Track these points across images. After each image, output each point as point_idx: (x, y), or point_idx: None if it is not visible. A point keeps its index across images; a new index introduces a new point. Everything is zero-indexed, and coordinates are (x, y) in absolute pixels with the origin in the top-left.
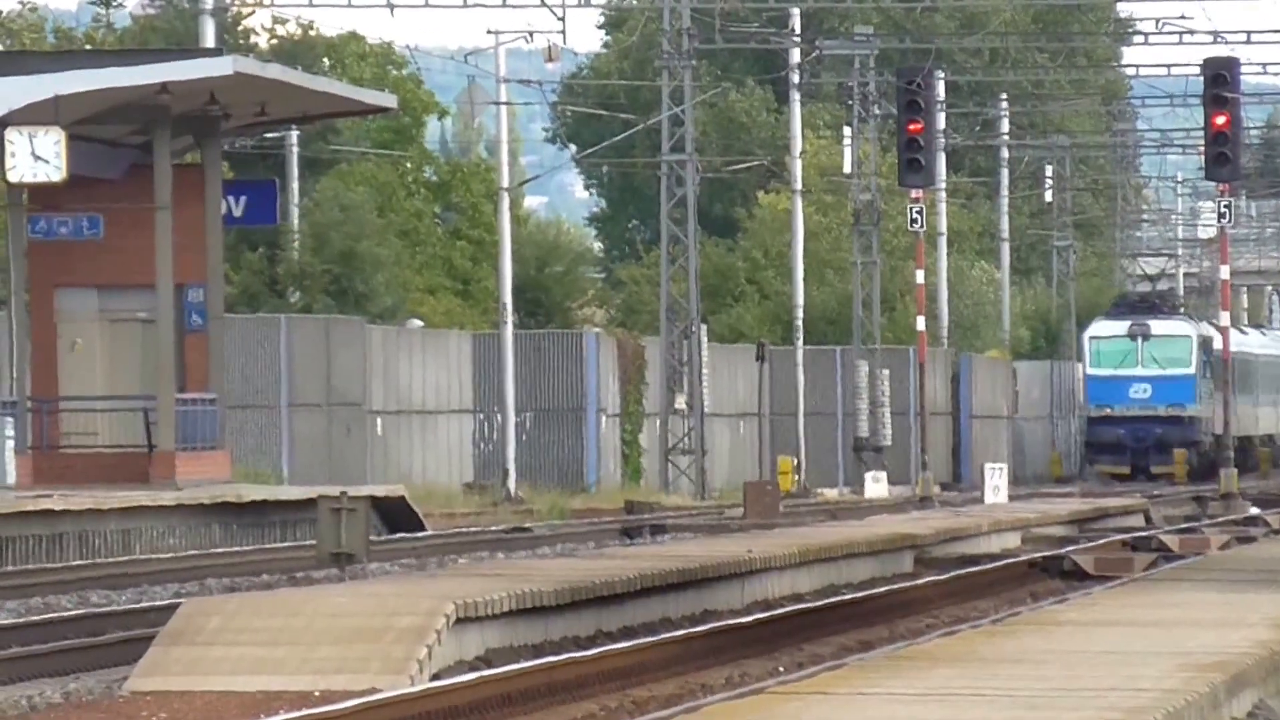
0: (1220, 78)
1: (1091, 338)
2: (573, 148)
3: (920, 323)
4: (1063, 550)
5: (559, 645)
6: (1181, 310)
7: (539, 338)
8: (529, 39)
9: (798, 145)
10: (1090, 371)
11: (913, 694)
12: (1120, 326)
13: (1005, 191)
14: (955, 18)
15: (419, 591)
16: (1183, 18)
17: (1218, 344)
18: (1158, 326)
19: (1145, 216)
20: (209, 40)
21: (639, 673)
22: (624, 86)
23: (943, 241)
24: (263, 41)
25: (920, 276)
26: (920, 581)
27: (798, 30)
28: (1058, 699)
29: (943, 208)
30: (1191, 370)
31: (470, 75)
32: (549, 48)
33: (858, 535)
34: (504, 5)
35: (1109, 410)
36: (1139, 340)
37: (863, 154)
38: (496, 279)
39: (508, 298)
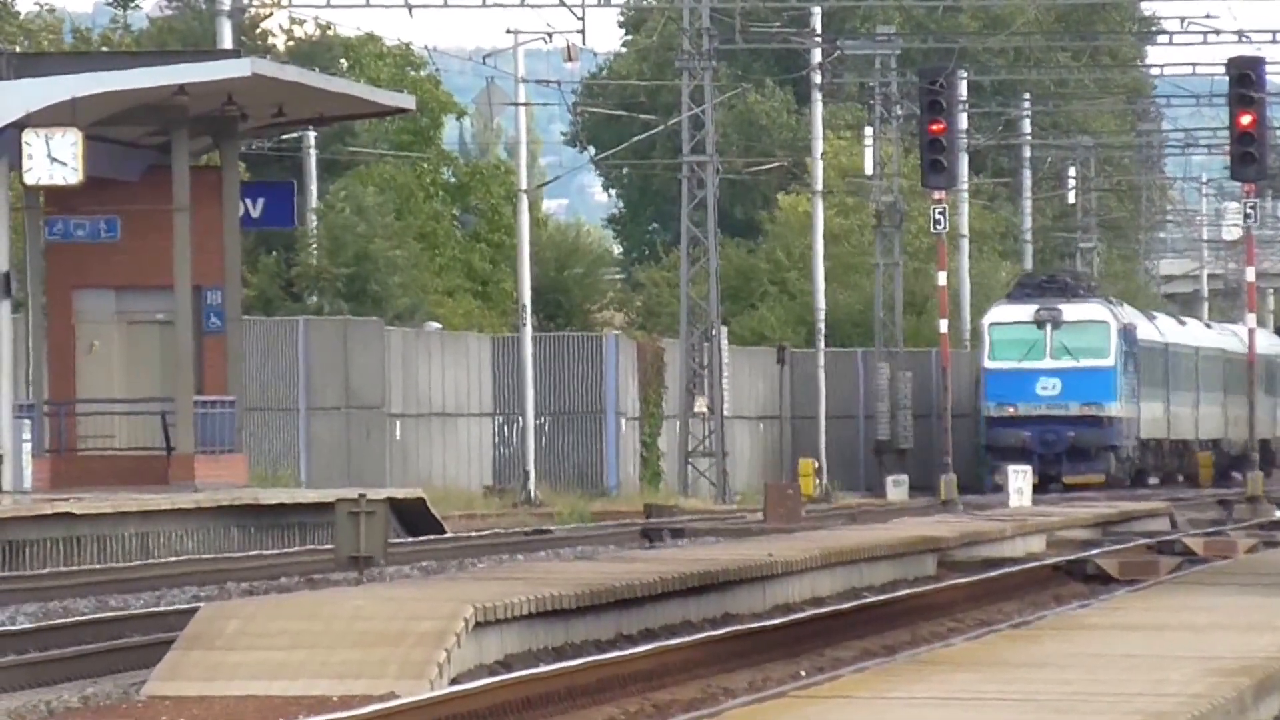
0: (1246, 77)
1: (992, 325)
2: (592, 149)
3: (943, 325)
4: (1087, 554)
5: (579, 648)
6: (1097, 292)
7: (558, 340)
8: (548, 39)
9: (819, 146)
10: (989, 364)
11: (936, 698)
12: (1024, 311)
13: (1028, 192)
14: (978, 17)
15: (438, 595)
16: (1208, 16)
17: (1144, 331)
18: (1069, 311)
19: (1170, 217)
20: (226, 42)
21: (660, 676)
22: (644, 87)
23: (965, 243)
24: (280, 43)
25: (943, 278)
26: (943, 585)
27: (819, 30)
28: (1082, 703)
29: (965, 209)
30: (1110, 362)
31: (489, 76)
32: (568, 48)
33: (880, 538)
34: (523, 5)
35: (1012, 409)
36: (1047, 327)
37: (884, 155)
38: (515, 281)
39: (527, 300)
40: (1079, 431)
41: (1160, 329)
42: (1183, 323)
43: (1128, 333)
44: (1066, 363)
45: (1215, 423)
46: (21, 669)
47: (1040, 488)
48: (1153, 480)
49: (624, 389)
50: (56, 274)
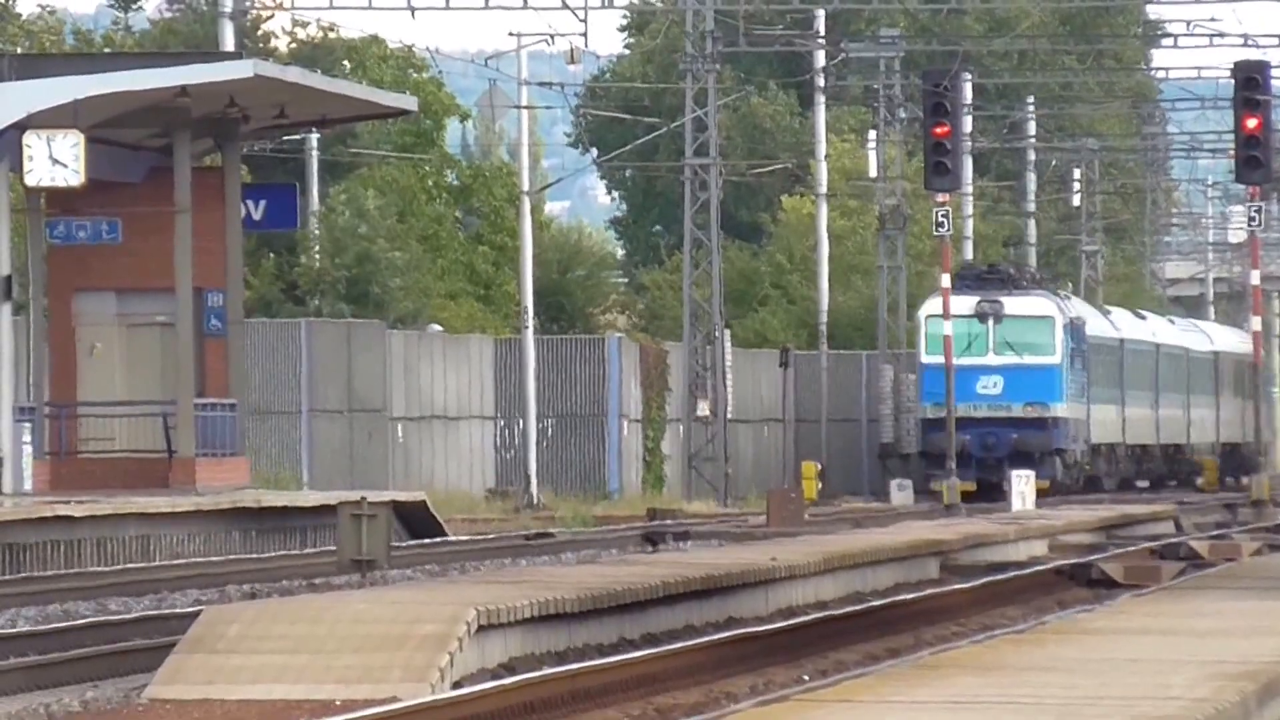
0: (1252, 80)
1: (928, 317)
2: (595, 151)
3: (947, 327)
4: (1091, 558)
5: (582, 652)
6: (1043, 283)
7: (561, 343)
8: (551, 41)
9: (822, 148)
10: (927, 360)
11: (939, 702)
12: (965, 304)
13: (1033, 195)
14: (983, 20)
15: (441, 598)
16: (1213, 20)
17: (1096, 326)
18: (1012, 304)
19: (1175, 221)
20: (228, 43)
21: (662, 680)
22: (647, 89)
23: (969, 246)
24: (282, 45)
25: (946, 281)
26: (946, 589)
27: (822, 32)
28: (1086, 707)
29: (969, 211)
30: (1055, 359)
31: (491, 78)
32: (571, 50)
33: (883, 542)
34: (525, 7)
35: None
36: (989, 321)
37: (888, 157)
38: (518, 283)
39: (529, 302)
40: (1022, 434)
41: (1115, 324)
42: (1141, 317)
43: (1075, 327)
44: (1009, 359)
45: (1177, 426)
46: (22, 672)
47: (980, 495)
48: (1108, 486)
49: (627, 392)
50: (58, 276)
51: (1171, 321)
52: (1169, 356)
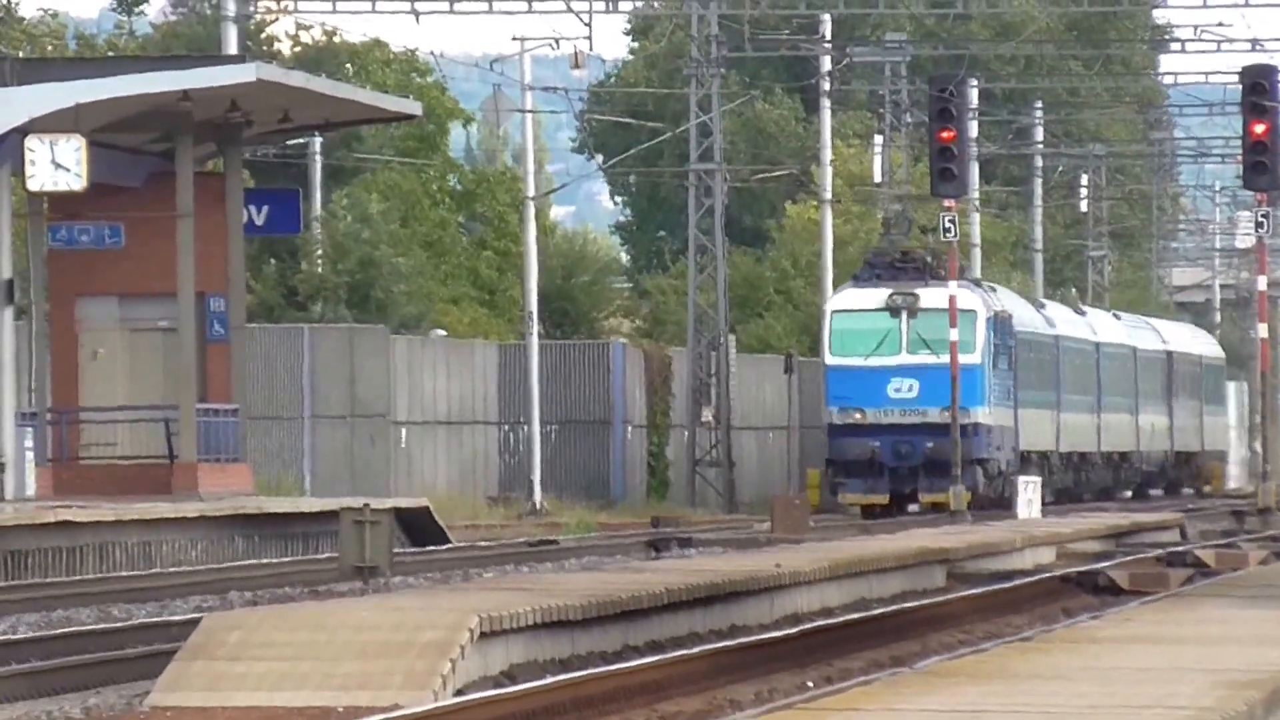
0: (1259, 86)
1: (835, 312)
2: (599, 156)
3: (953, 333)
4: (1097, 565)
5: (585, 660)
6: (965, 273)
7: (565, 348)
8: (555, 46)
9: (827, 153)
10: (833, 361)
11: (944, 710)
12: (874, 296)
13: (1039, 201)
14: (989, 25)
15: (443, 605)
16: (1221, 25)
17: (1026, 321)
18: (929, 296)
19: (1182, 226)
20: (231, 47)
21: (666, 688)
22: (651, 94)
23: (976, 252)
24: (286, 49)
25: (954, 287)
26: (952, 596)
27: (828, 37)
28: (1092, 716)
29: (975, 217)
30: (977, 358)
31: (495, 83)
32: (575, 54)
33: (888, 549)
34: (530, 11)
35: (858, 415)
36: (902, 316)
37: (894, 162)
38: (522, 289)
39: (533, 308)
40: (939, 442)
41: (1050, 319)
42: (1081, 312)
43: (1001, 323)
44: (924, 358)
45: (1123, 432)
46: (23, 679)
47: (895, 507)
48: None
49: (631, 398)
50: (60, 281)
51: (1117, 317)
52: (1113, 356)
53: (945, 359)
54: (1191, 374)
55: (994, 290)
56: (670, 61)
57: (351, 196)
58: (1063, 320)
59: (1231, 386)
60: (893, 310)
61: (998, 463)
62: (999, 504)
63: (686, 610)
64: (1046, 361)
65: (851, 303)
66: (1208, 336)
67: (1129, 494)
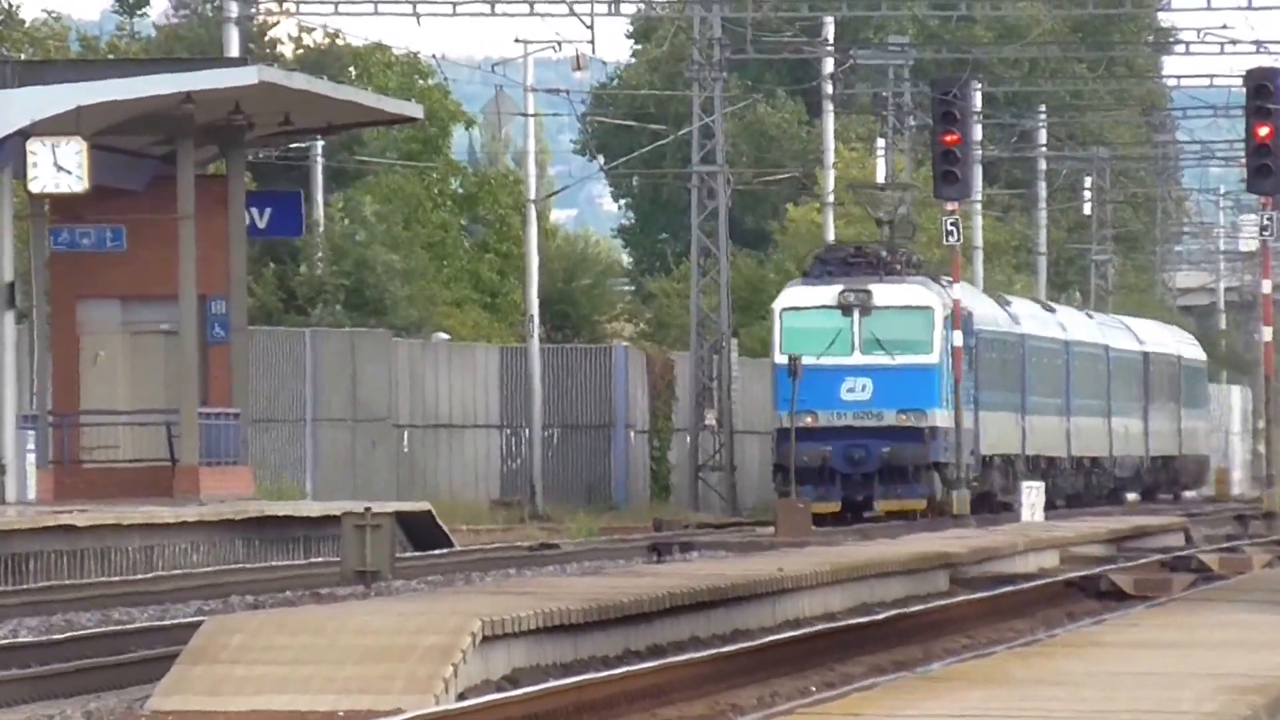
0: (1263, 89)
1: (784, 310)
2: (601, 159)
3: (957, 337)
4: (1100, 569)
5: (587, 664)
6: (922, 268)
7: (567, 352)
8: (557, 48)
9: (830, 156)
10: (781, 360)
11: (947, 715)
12: (826, 293)
13: (1043, 204)
14: (993, 28)
15: (445, 609)
16: (1225, 27)
17: (989, 320)
18: (883, 293)
19: (1186, 230)
20: (234, 50)
21: (668, 692)
22: (653, 97)
23: (979, 255)
24: (288, 51)
25: (957, 290)
26: (955, 601)
27: (831, 40)
28: None
29: (978, 220)
30: (933, 358)
31: (497, 85)
32: (577, 57)
33: (891, 554)
34: (532, 14)
35: (808, 419)
36: (854, 314)
37: (897, 166)
38: (524, 292)
39: (535, 311)
40: (895, 446)
41: (1015, 316)
42: (1050, 309)
43: (961, 321)
44: (878, 359)
45: (1094, 436)
46: (24, 683)
47: (848, 516)
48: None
49: (633, 401)
50: (61, 283)
51: (1089, 315)
52: (1084, 356)
53: (900, 359)
54: (1169, 375)
55: (949, 284)
56: (672, 64)
57: (347, 199)
58: (1029, 318)
59: (1235, 390)
60: (845, 308)
61: (956, 468)
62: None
63: (688, 614)
64: (1011, 361)
65: (802, 300)
66: (1187, 336)
67: (1102, 499)
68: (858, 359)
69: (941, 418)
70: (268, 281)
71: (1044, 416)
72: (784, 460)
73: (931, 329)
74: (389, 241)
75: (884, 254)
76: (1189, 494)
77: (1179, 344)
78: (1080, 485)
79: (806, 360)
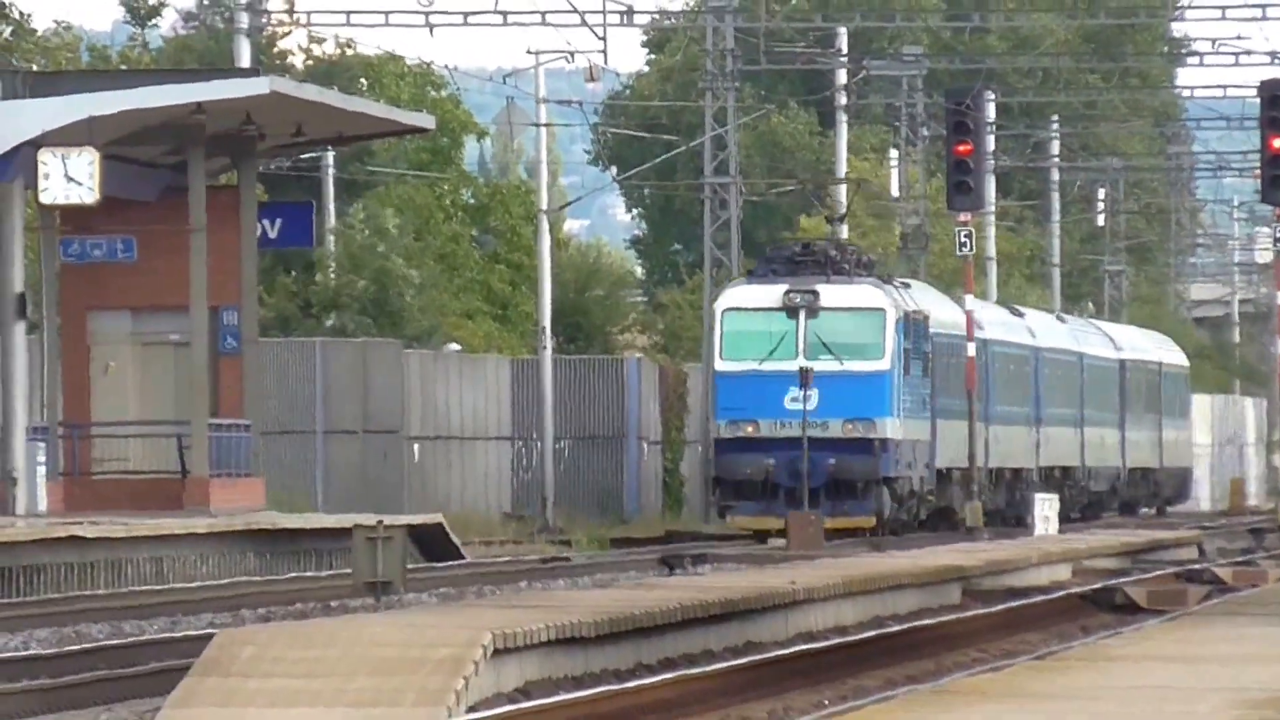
0: (1278, 99)
1: (725, 311)
2: (614, 169)
3: (970, 349)
4: (1114, 582)
5: (598, 677)
6: (873, 268)
7: (579, 363)
8: (569, 59)
9: (843, 167)
10: (721, 366)
11: None
12: (769, 293)
13: (1056, 215)
14: (1006, 38)
15: (456, 621)
16: (1239, 38)
17: (949, 323)
18: (831, 294)
19: (1200, 241)
20: (244, 60)
21: (680, 705)
22: (666, 108)
23: (992, 266)
24: (299, 62)
25: (970, 301)
26: (968, 614)
27: (844, 50)
28: None
29: (991, 231)
30: (884, 364)
31: (509, 96)
32: (590, 68)
33: (903, 567)
34: (544, 24)
35: (750, 428)
36: (800, 316)
37: (910, 176)
38: (536, 303)
39: (547, 322)
40: (842, 459)
41: (979, 321)
42: (1018, 313)
43: (914, 324)
44: (826, 364)
45: (1065, 447)
46: (35, 695)
47: (786, 533)
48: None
49: (645, 413)
50: (71, 295)
51: (1061, 320)
52: (1054, 362)
53: (849, 365)
54: (1148, 383)
55: (907, 286)
56: (685, 74)
57: (368, 210)
58: (993, 323)
59: (1249, 403)
60: (790, 310)
61: (909, 481)
62: (909, 528)
63: (700, 627)
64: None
65: (744, 300)
66: (1168, 342)
67: (1076, 515)
68: (803, 364)
69: (893, 428)
70: (283, 288)
71: (1009, 426)
72: (723, 473)
73: (882, 332)
74: (401, 252)
75: (833, 252)
76: (1171, 508)
77: (1159, 350)
78: None
79: (746, 364)
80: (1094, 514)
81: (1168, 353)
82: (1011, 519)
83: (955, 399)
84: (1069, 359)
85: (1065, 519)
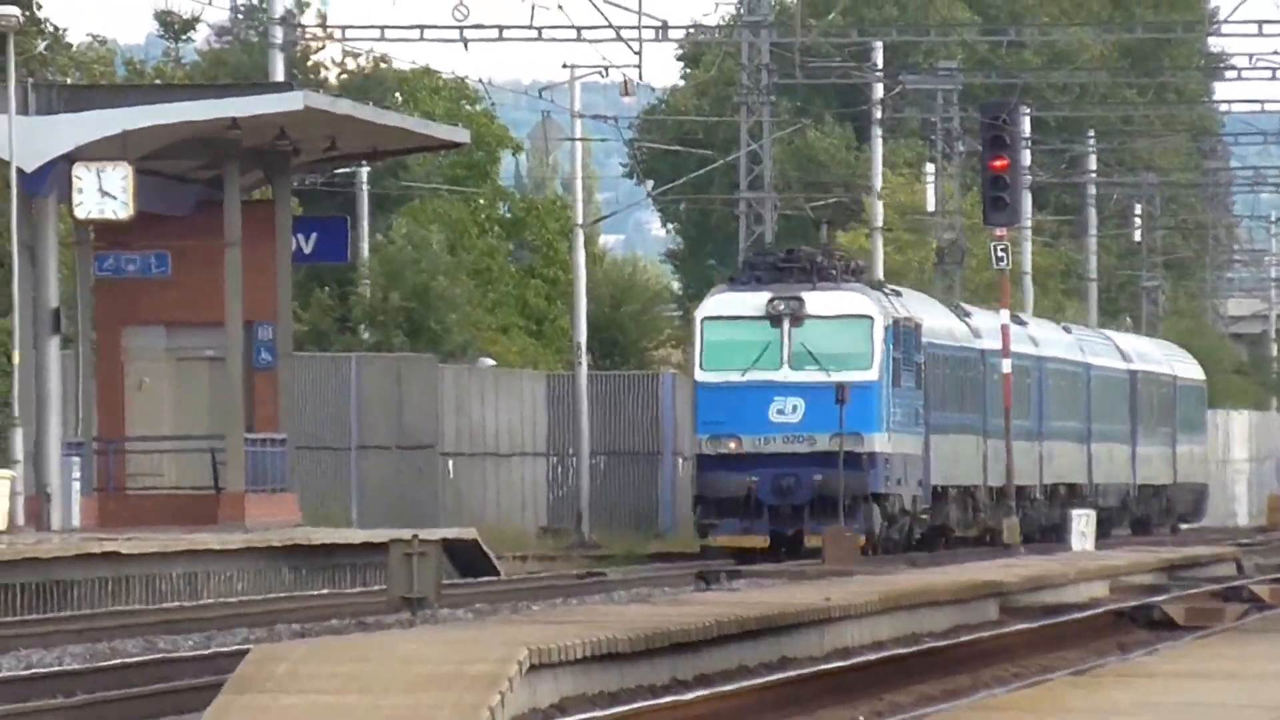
0: None
1: (706, 319)
2: (649, 184)
3: (1005, 365)
4: (1151, 600)
5: (634, 693)
6: (861, 274)
7: (614, 379)
8: (604, 73)
9: (879, 182)
10: (702, 377)
11: None
12: (753, 301)
13: (1093, 230)
14: (1042, 53)
15: (492, 637)
16: (1277, 53)
17: (942, 332)
18: (816, 301)
19: (1237, 256)
20: (279, 75)
21: None
22: (701, 122)
23: (1028, 281)
24: (333, 76)
25: (1005, 317)
26: (1004, 630)
27: (880, 65)
28: None
29: (1028, 246)
30: (873, 374)
31: (545, 110)
32: (625, 82)
33: (939, 582)
34: (579, 39)
35: (733, 444)
36: (784, 324)
37: (946, 191)
38: (571, 318)
39: (582, 337)
40: (829, 474)
41: (977, 330)
42: (1020, 322)
43: (904, 332)
44: (811, 375)
45: (1070, 462)
46: (69, 711)
47: (781, 552)
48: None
49: (681, 428)
50: (106, 310)
51: (1066, 329)
52: (1059, 374)
53: (836, 375)
54: (1162, 396)
55: (897, 294)
56: (721, 88)
57: (409, 224)
58: (992, 331)
59: None
60: (774, 318)
61: (900, 499)
62: (903, 548)
63: (736, 643)
64: (970, 379)
65: (726, 308)
66: (1183, 354)
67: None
68: (787, 375)
69: (883, 442)
70: (319, 303)
71: (1011, 441)
72: (705, 491)
73: (870, 341)
74: (440, 268)
75: (819, 258)
76: (1185, 526)
77: (1173, 362)
78: (1056, 516)
79: (728, 375)
80: (1103, 532)
81: (1181, 364)
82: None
83: (952, 413)
84: (1074, 370)
85: (1063, 537)
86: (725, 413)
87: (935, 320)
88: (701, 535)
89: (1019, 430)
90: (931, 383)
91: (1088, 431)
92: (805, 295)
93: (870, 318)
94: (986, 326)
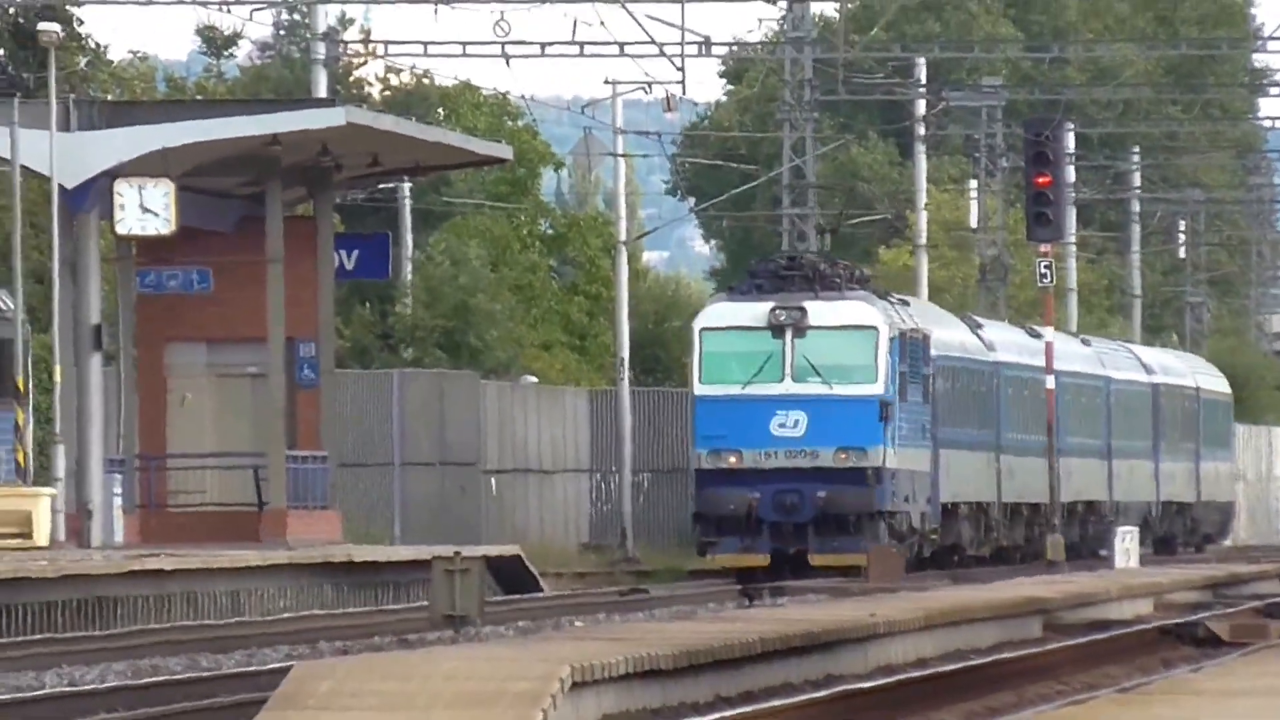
0: None
1: (704, 330)
2: (692, 200)
3: (1050, 381)
4: (1196, 616)
5: (677, 710)
6: (865, 282)
7: (657, 395)
8: (647, 89)
9: (922, 197)
10: (701, 390)
11: None
12: (754, 311)
13: (1137, 246)
14: (1085, 69)
15: (534, 654)
16: None
17: (951, 344)
18: (818, 311)
19: None
20: (321, 90)
21: None
22: (744, 138)
23: (1073, 297)
24: (375, 92)
25: (1049, 333)
26: (1048, 647)
27: (923, 81)
28: None
29: (1072, 262)
30: (877, 388)
31: (587, 126)
32: (667, 98)
33: (984, 599)
34: (621, 55)
35: (733, 459)
36: (786, 335)
37: (989, 207)
38: (614, 334)
39: (625, 354)
40: (833, 491)
41: (989, 342)
42: (1035, 334)
43: (912, 343)
44: (814, 388)
45: (1089, 478)
46: None
47: (785, 571)
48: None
49: None
50: (148, 326)
51: (1085, 342)
52: (1077, 388)
53: (839, 388)
54: (1185, 411)
55: (905, 304)
56: (764, 104)
57: (449, 241)
58: (1006, 344)
59: None
60: (775, 328)
61: (908, 516)
62: (913, 567)
63: (780, 660)
64: (982, 393)
65: (726, 318)
66: (1208, 367)
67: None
68: (790, 388)
69: (889, 457)
70: (360, 320)
71: (1025, 456)
72: (704, 508)
73: (875, 353)
74: (481, 285)
75: (822, 266)
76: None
77: (1197, 375)
78: (1075, 535)
79: (728, 389)
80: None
81: (1206, 377)
82: (1030, 557)
83: (963, 428)
84: (1094, 384)
85: (1094, 555)
86: (725, 427)
87: (945, 332)
88: (700, 554)
89: (1035, 446)
90: (941, 396)
91: (1108, 447)
92: (808, 305)
93: (875, 328)
94: (999, 339)
